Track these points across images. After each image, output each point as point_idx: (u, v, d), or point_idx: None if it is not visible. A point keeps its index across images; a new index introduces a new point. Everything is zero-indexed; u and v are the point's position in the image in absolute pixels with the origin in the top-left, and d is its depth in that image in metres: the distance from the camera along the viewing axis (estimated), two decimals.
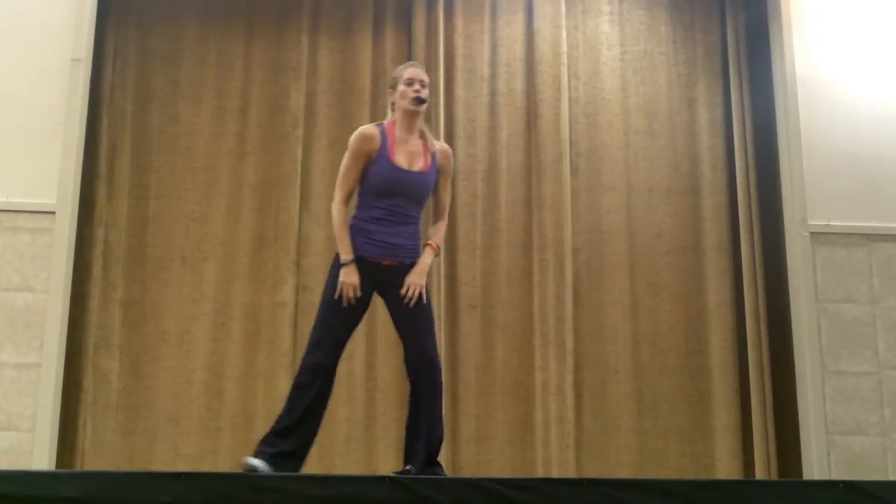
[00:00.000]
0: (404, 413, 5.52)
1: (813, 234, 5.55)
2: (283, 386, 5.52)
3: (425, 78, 3.92)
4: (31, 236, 5.26)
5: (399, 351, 5.58)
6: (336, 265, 3.78)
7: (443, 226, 3.98)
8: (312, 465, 5.41)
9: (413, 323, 3.81)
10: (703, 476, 5.48)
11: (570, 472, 5.43)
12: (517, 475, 5.32)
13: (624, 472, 5.49)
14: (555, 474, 5.37)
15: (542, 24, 6.02)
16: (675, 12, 6.15)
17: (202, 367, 5.56)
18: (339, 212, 3.81)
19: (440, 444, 3.83)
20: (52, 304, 5.20)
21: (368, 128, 3.88)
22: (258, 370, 5.59)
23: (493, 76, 6.00)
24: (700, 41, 6.14)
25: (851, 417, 5.35)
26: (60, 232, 5.27)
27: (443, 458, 5.37)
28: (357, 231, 3.80)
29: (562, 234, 5.79)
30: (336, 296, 3.72)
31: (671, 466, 5.58)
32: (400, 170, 3.81)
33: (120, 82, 5.85)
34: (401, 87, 3.88)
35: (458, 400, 5.61)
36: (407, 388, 5.52)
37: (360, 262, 3.77)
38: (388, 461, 5.40)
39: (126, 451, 5.43)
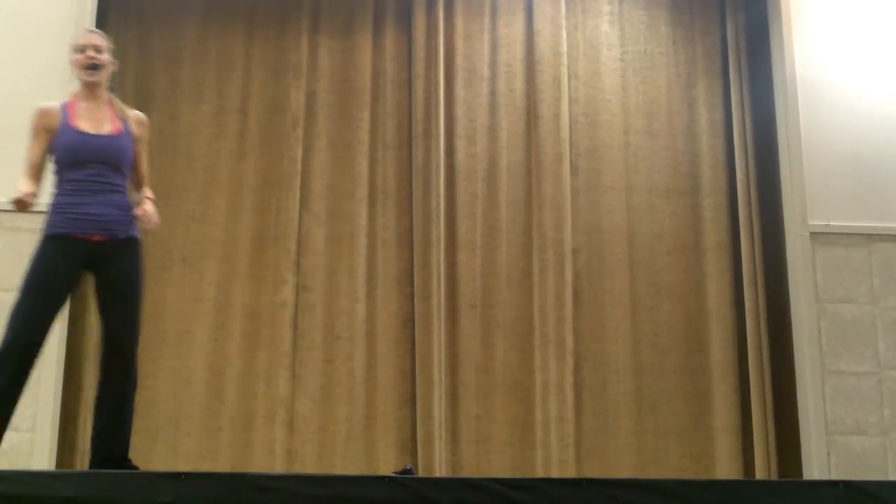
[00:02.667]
0: (404, 413, 5.59)
1: (813, 234, 5.55)
2: (283, 386, 5.53)
3: (99, 42, 3.81)
4: (30, 236, 5.21)
5: (400, 351, 5.65)
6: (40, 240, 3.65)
7: (147, 191, 3.85)
8: (312, 465, 5.44)
9: (117, 309, 3.68)
10: (703, 476, 5.48)
11: (570, 472, 5.43)
12: (517, 475, 5.32)
13: (624, 472, 5.49)
14: (555, 474, 5.37)
15: (542, 25, 6.02)
16: (675, 12, 6.15)
17: (202, 367, 5.56)
18: (25, 177, 3.68)
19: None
20: None
21: (45, 103, 3.79)
22: (258, 370, 5.59)
23: (493, 76, 6.00)
24: (700, 41, 6.14)
25: (851, 417, 5.35)
26: None
27: (443, 458, 5.42)
28: (57, 209, 3.65)
29: (562, 234, 5.79)
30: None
31: (671, 466, 5.58)
32: (84, 134, 3.70)
33: (120, 82, 5.83)
34: (75, 56, 3.80)
35: (457, 400, 5.61)
36: (402, 387, 5.59)
37: (65, 240, 3.63)
38: (388, 461, 5.40)
39: None
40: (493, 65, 6.01)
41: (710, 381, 5.74)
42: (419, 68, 5.91)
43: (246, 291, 5.66)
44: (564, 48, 5.98)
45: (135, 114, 3.87)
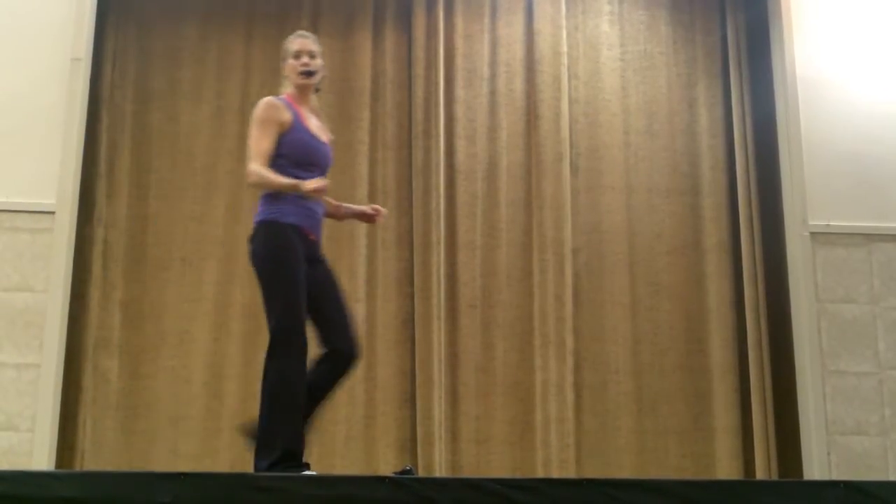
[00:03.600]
0: (404, 413, 5.59)
1: (813, 234, 5.54)
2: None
3: (313, 48, 3.83)
4: (30, 236, 5.25)
5: (400, 351, 5.65)
6: (272, 227, 3.62)
7: None
8: (312, 465, 5.42)
9: (335, 305, 3.73)
10: (704, 476, 5.48)
11: (570, 472, 5.43)
12: (517, 475, 5.32)
13: (624, 472, 5.49)
14: (555, 474, 5.37)
15: (542, 25, 6.02)
16: (676, 12, 6.15)
17: (202, 367, 5.56)
18: (260, 165, 3.62)
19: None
20: (52, 304, 5.19)
21: (272, 97, 3.78)
22: (258, 370, 5.52)
23: (493, 76, 5.99)
24: (700, 41, 6.14)
25: (852, 417, 5.35)
26: (60, 232, 5.26)
27: (443, 458, 5.42)
28: (287, 199, 3.62)
29: (562, 233, 5.79)
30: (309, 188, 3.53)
31: (671, 466, 5.58)
32: (315, 138, 3.76)
33: (120, 82, 5.84)
34: (290, 61, 3.83)
35: (457, 400, 5.61)
36: (402, 387, 5.58)
37: (299, 231, 3.63)
38: (388, 461, 5.40)
39: (126, 452, 5.42)
40: (493, 65, 6.01)
41: (711, 380, 5.74)
42: (419, 68, 5.91)
43: (246, 291, 5.64)
44: (564, 48, 5.98)
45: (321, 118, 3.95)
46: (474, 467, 5.50)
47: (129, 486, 3.18)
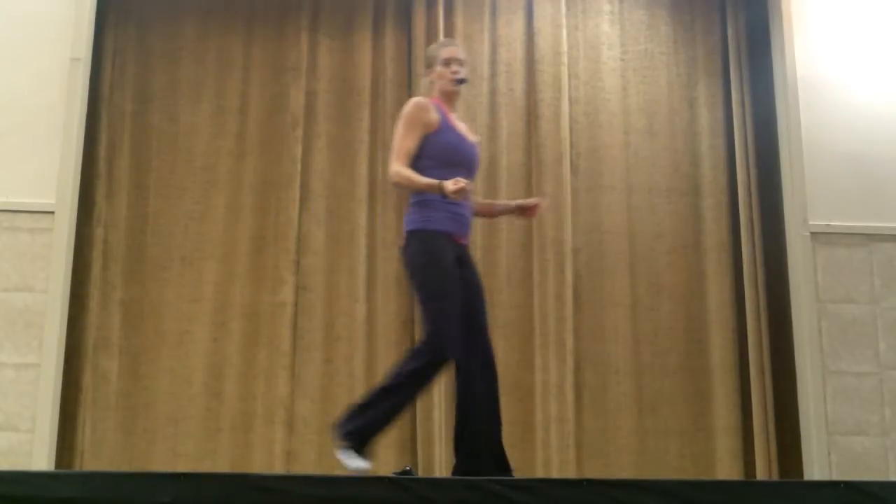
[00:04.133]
0: (404, 414, 5.57)
1: (814, 233, 5.54)
2: (282, 386, 5.53)
3: (462, 56, 3.89)
4: (30, 236, 5.25)
5: (400, 351, 5.64)
6: (422, 235, 3.68)
7: None
8: (312, 465, 5.43)
9: (481, 311, 3.81)
10: (704, 476, 5.48)
11: (571, 473, 5.43)
12: (517, 476, 5.31)
13: (624, 473, 5.49)
14: (555, 475, 5.37)
15: (543, 24, 6.02)
16: (676, 12, 6.15)
17: (202, 368, 5.56)
18: (402, 165, 3.67)
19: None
20: (52, 304, 5.19)
21: (421, 98, 3.83)
22: (258, 370, 5.58)
23: (494, 76, 5.99)
24: (701, 41, 6.14)
25: (852, 417, 5.34)
26: (59, 232, 5.26)
27: (443, 458, 5.41)
28: (435, 205, 3.65)
29: (562, 234, 5.78)
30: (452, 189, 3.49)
31: (672, 467, 5.58)
32: (464, 138, 3.81)
33: (119, 82, 5.84)
34: (438, 68, 3.85)
35: None
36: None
37: (448, 238, 3.68)
38: (388, 461, 5.39)
39: (125, 452, 5.42)
40: (494, 64, 6.01)
41: (711, 381, 5.74)
42: (419, 68, 5.90)
43: (246, 291, 5.65)
44: (565, 48, 5.98)
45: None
46: None
47: (129, 486, 3.18)
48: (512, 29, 6.04)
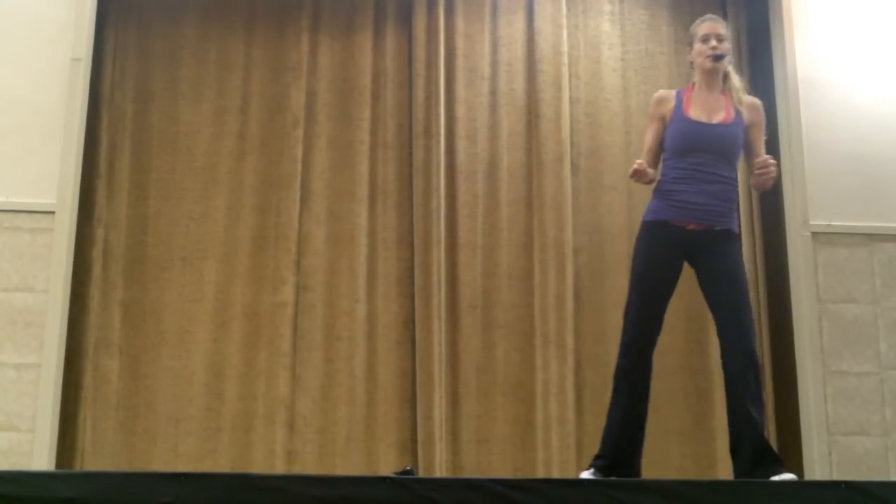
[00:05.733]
0: (405, 413, 5.58)
1: (814, 234, 5.53)
2: (283, 386, 5.53)
3: (722, 31, 3.80)
4: (30, 236, 5.25)
5: (400, 352, 5.64)
6: (641, 227, 3.79)
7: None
8: (312, 465, 5.43)
9: (726, 299, 3.67)
10: (705, 476, 5.47)
11: (572, 473, 5.41)
12: (518, 476, 5.31)
13: None
14: (556, 475, 5.36)
15: (543, 24, 6.02)
16: (677, 12, 6.14)
17: (202, 368, 5.56)
18: (642, 160, 3.79)
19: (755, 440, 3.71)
20: (52, 304, 5.19)
21: (663, 91, 3.88)
22: (258, 370, 5.58)
23: (494, 76, 5.99)
24: None
25: (853, 418, 5.34)
26: (60, 232, 5.26)
27: (443, 458, 5.41)
28: (659, 194, 3.72)
29: (563, 233, 5.78)
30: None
31: (672, 467, 5.57)
32: (696, 122, 3.71)
33: (120, 82, 5.84)
34: (697, 45, 3.79)
35: (458, 400, 5.60)
36: (402, 387, 5.58)
37: (664, 226, 3.69)
38: (388, 461, 5.39)
39: (126, 452, 5.42)
40: (494, 64, 6.00)
41: (712, 381, 5.72)
42: (419, 68, 5.90)
43: (246, 291, 5.65)
44: (565, 48, 5.97)
45: (749, 100, 3.84)
46: (475, 468, 5.49)
47: (130, 486, 3.18)
48: (512, 29, 6.04)
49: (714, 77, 3.81)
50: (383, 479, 3.31)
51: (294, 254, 5.68)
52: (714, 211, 3.70)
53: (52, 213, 5.25)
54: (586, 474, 3.59)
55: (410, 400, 5.59)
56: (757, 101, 3.89)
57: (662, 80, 6.04)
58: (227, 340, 5.60)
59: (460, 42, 5.99)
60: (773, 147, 5.77)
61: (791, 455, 5.49)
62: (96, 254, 5.59)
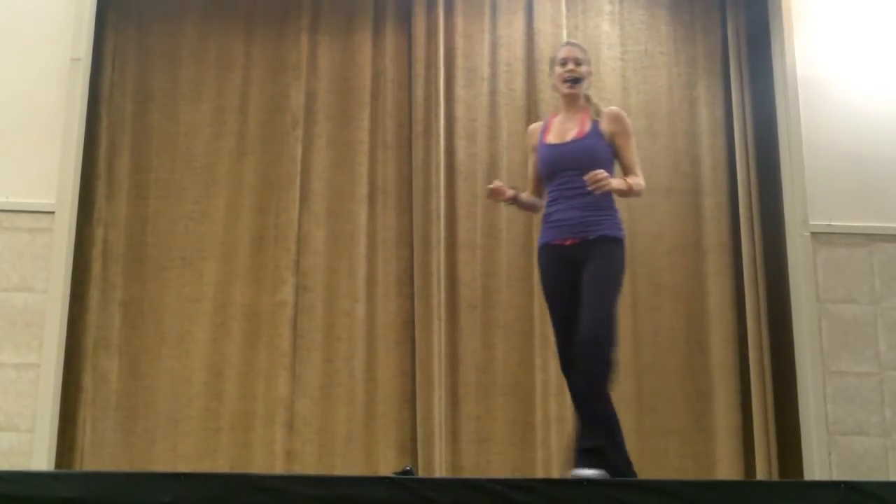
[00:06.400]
0: (404, 413, 5.58)
1: (814, 233, 5.54)
2: (283, 386, 5.52)
3: (580, 56, 3.93)
4: (30, 236, 5.25)
5: (400, 352, 5.65)
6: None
7: (639, 180, 3.86)
8: (312, 465, 5.43)
9: (584, 299, 3.76)
10: (704, 476, 5.47)
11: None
12: (517, 475, 5.31)
13: None
14: (555, 475, 5.36)
15: (543, 24, 6.02)
16: (676, 12, 6.14)
17: (202, 368, 5.56)
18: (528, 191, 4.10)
19: (591, 432, 3.76)
20: (52, 304, 5.19)
21: (533, 124, 4.13)
22: (258, 370, 5.58)
23: (494, 76, 5.99)
24: (701, 41, 6.13)
25: (852, 418, 5.34)
26: (60, 232, 5.26)
27: (442, 458, 5.41)
28: (543, 219, 3.91)
29: None
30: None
31: (672, 467, 5.57)
32: (551, 146, 3.87)
33: (119, 82, 5.84)
34: (556, 69, 3.93)
35: (458, 400, 5.60)
36: (402, 387, 5.58)
37: (547, 248, 3.85)
38: (388, 462, 5.39)
39: (125, 452, 5.42)
40: (494, 64, 6.00)
41: (711, 381, 5.73)
42: (419, 68, 5.90)
43: (246, 291, 5.65)
44: None
45: (608, 111, 3.95)
46: (474, 467, 5.49)
47: (129, 486, 3.18)
48: (512, 29, 6.04)
49: (573, 100, 3.96)
50: (383, 479, 3.31)
51: (293, 254, 5.68)
52: (584, 223, 3.81)
53: (52, 213, 5.25)
54: (590, 473, 3.58)
55: (410, 400, 5.59)
56: (616, 110, 3.99)
57: (662, 80, 6.05)
58: (227, 340, 5.60)
59: (460, 42, 5.99)
60: (773, 147, 5.80)
61: (791, 455, 5.50)
62: (96, 254, 5.59)
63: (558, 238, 3.84)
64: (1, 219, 5.24)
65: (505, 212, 5.83)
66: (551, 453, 5.52)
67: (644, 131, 5.98)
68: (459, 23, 6.00)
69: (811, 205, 5.56)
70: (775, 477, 5.48)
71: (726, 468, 5.59)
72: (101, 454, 5.38)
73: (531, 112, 5.94)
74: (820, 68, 5.73)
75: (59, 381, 5.18)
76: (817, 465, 5.26)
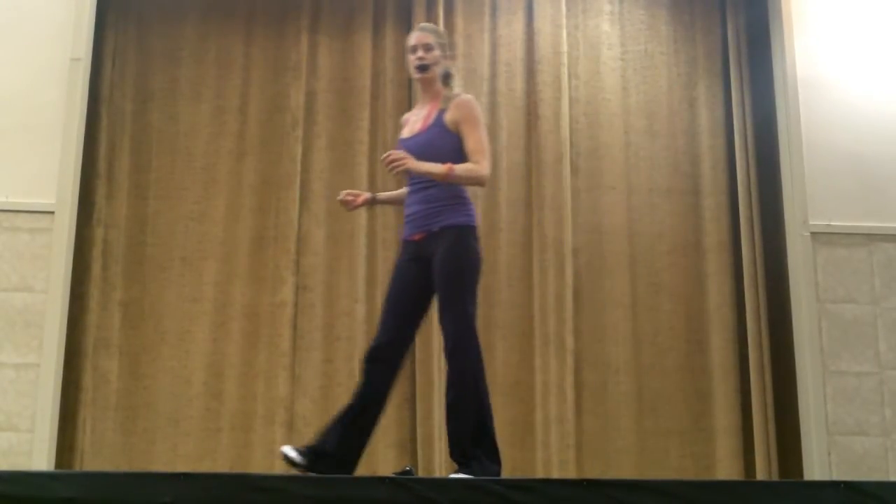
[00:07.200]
0: (404, 413, 5.58)
1: (814, 233, 5.54)
2: (282, 386, 5.52)
3: (430, 40, 3.79)
4: (30, 236, 5.25)
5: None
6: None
7: (472, 166, 3.69)
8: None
9: (438, 299, 3.65)
10: (704, 476, 5.48)
11: (571, 473, 5.42)
12: (517, 476, 5.31)
13: (624, 473, 5.48)
14: (555, 475, 5.37)
15: (543, 24, 6.02)
16: (676, 12, 6.15)
17: (202, 368, 5.56)
18: None
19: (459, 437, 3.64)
20: (52, 304, 5.19)
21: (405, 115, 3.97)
22: (258, 370, 5.58)
23: (494, 76, 5.99)
24: (701, 41, 6.13)
25: (852, 418, 5.34)
26: (59, 232, 5.26)
27: (442, 458, 5.40)
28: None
29: (562, 233, 5.78)
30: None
31: (672, 467, 5.58)
32: (401, 140, 3.79)
33: (119, 82, 5.84)
34: (408, 56, 3.83)
35: None
36: (402, 388, 5.58)
37: (403, 244, 3.76)
38: (388, 462, 5.39)
39: (125, 452, 5.42)
40: (494, 64, 6.00)
41: (711, 381, 5.73)
42: None
43: (246, 291, 5.65)
44: (565, 48, 5.97)
45: (455, 100, 3.77)
46: None
47: (129, 486, 3.17)
48: (512, 29, 6.04)
49: (428, 86, 3.81)
50: (383, 479, 3.31)
51: (293, 254, 5.68)
52: (427, 216, 3.68)
53: (52, 213, 5.25)
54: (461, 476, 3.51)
55: (410, 400, 5.59)
56: (461, 98, 3.77)
57: (662, 80, 6.05)
58: (227, 340, 5.60)
59: (460, 42, 5.98)
60: (772, 147, 5.80)
61: (791, 455, 5.50)
62: (96, 254, 5.59)
63: (409, 234, 3.72)
64: (1, 219, 5.24)
65: (505, 212, 5.84)
66: (551, 453, 5.52)
67: (644, 131, 5.99)
68: (459, 22, 6.00)
69: (811, 205, 5.56)
70: (775, 477, 5.48)
71: (726, 468, 5.59)
72: (100, 454, 5.38)
73: (531, 112, 5.95)
74: (820, 68, 5.73)
75: (58, 381, 5.18)
76: (817, 465, 5.26)
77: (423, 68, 3.77)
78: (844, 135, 5.64)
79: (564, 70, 5.95)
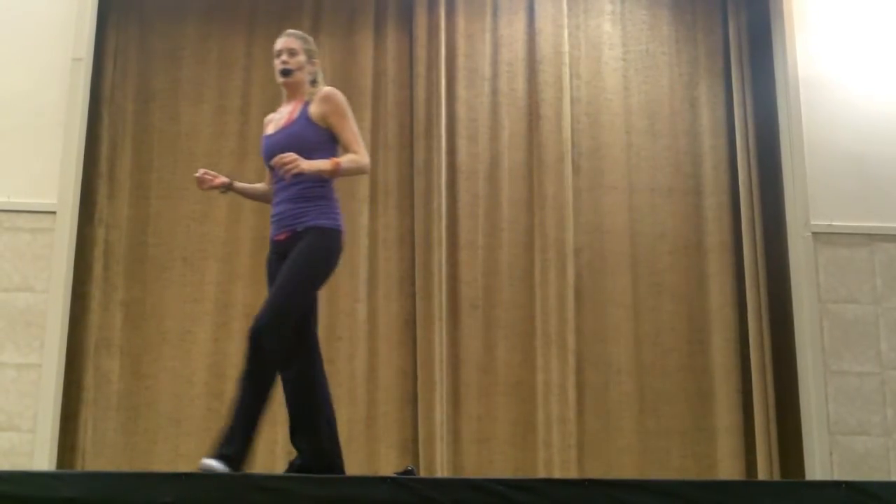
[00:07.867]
0: (406, 413, 5.58)
1: (815, 234, 5.53)
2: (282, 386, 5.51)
3: (295, 45, 3.78)
4: (31, 236, 5.25)
5: (401, 352, 5.65)
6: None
7: (354, 157, 3.64)
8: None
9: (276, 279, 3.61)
10: (706, 476, 5.47)
11: (572, 473, 5.42)
12: (519, 476, 5.31)
13: (626, 473, 5.48)
14: (557, 475, 5.37)
15: (544, 24, 6.02)
16: (678, 12, 6.14)
17: (203, 368, 5.56)
18: None
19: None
20: (53, 304, 5.19)
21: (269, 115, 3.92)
22: None
23: (495, 76, 5.99)
24: (702, 41, 6.13)
25: (854, 418, 5.34)
26: (61, 232, 5.26)
27: (444, 458, 5.41)
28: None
29: (564, 233, 5.78)
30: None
31: (673, 467, 5.57)
32: (265, 137, 3.78)
33: (121, 82, 5.84)
34: (274, 61, 3.81)
35: (459, 400, 5.61)
36: (404, 387, 5.58)
37: (270, 244, 3.72)
38: (389, 462, 5.39)
39: (127, 452, 5.42)
40: (495, 64, 6.00)
41: (712, 381, 5.73)
42: (420, 68, 5.90)
43: (247, 291, 5.64)
44: (566, 48, 5.97)
45: (319, 94, 3.75)
46: (476, 468, 5.49)
47: (131, 486, 3.18)
48: (513, 29, 6.04)
49: (294, 91, 3.80)
50: (384, 479, 3.31)
51: None
52: (291, 215, 3.65)
53: (53, 213, 5.25)
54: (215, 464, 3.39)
55: (411, 400, 5.59)
56: (325, 90, 3.75)
57: (663, 80, 6.05)
58: (228, 341, 5.59)
59: (461, 42, 5.99)
60: (774, 147, 5.80)
61: (792, 455, 5.50)
62: (97, 254, 5.59)
63: (275, 234, 3.68)
64: (2, 219, 5.24)
65: (506, 211, 5.84)
66: (553, 453, 5.52)
67: (645, 131, 5.99)
68: (461, 22, 6.00)
69: (812, 205, 5.56)
70: (776, 477, 5.48)
71: (728, 468, 5.59)
72: (102, 454, 5.39)
73: (532, 112, 5.95)
74: (821, 68, 5.73)
75: (60, 381, 5.18)
76: (819, 465, 5.26)
77: (285, 73, 3.78)
78: (846, 135, 5.64)
79: (566, 70, 5.95)
